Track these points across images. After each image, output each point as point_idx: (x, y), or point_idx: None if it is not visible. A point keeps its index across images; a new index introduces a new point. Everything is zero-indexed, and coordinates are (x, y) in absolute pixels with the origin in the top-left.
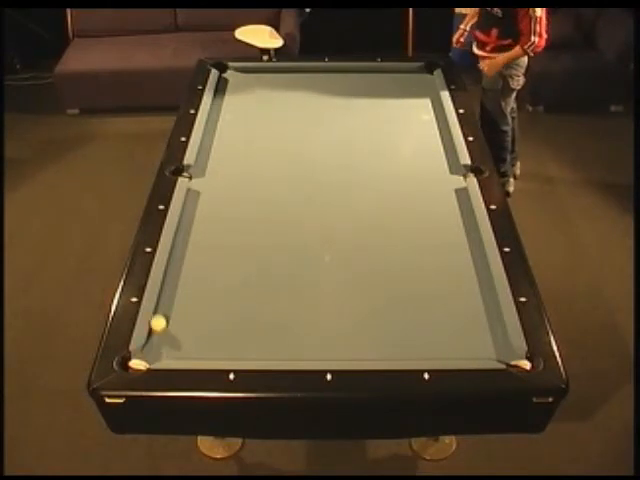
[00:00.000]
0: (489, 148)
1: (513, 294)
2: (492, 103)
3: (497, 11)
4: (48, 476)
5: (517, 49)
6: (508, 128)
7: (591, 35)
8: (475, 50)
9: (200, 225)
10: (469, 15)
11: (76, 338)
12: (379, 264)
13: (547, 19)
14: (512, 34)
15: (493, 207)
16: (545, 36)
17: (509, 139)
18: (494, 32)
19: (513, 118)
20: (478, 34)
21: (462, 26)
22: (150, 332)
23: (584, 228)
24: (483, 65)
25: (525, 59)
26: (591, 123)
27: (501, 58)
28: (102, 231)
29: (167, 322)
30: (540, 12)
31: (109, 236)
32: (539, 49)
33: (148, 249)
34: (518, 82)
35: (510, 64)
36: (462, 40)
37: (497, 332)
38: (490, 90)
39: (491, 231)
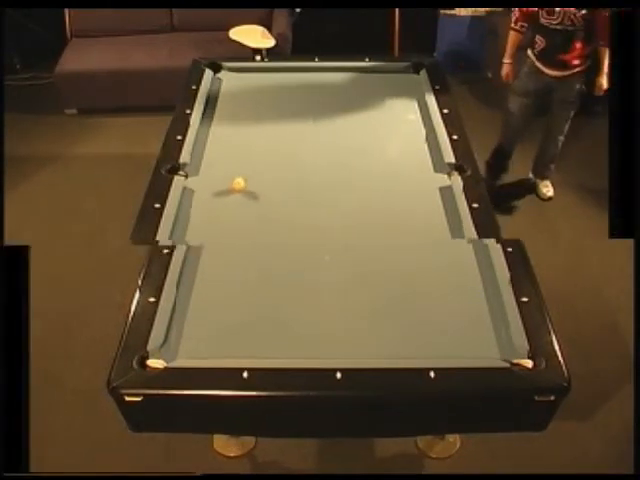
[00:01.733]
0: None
1: (515, 294)
2: (567, 114)
3: (579, 20)
4: (61, 474)
5: (605, 50)
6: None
7: None
8: (553, 73)
9: (195, 223)
10: (510, 46)
11: (94, 338)
12: (384, 263)
13: None
14: (593, 37)
15: (475, 205)
16: None
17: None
18: (578, 45)
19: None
20: (561, 56)
21: (507, 60)
22: None
23: (584, 228)
24: (601, 88)
25: None
26: (591, 123)
27: (605, 70)
28: (101, 230)
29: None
30: None
31: (108, 235)
32: None
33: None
34: None
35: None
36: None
37: (500, 331)
38: (572, 102)
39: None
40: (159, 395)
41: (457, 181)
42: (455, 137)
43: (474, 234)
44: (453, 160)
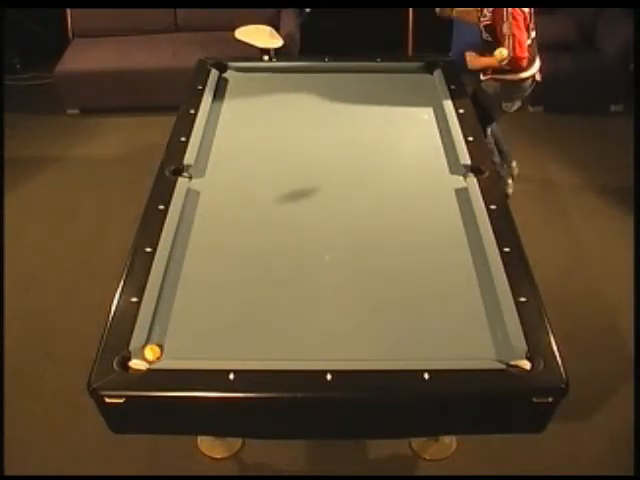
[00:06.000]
0: None
1: (513, 294)
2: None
3: (487, 36)
4: (48, 476)
5: (491, 58)
6: (490, 138)
7: (591, 35)
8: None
9: (200, 225)
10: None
11: (76, 338)
12: (379, 264)
13: (526, 37)
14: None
15: (493, 207)
16: (523, 55)
17: (491, 143)
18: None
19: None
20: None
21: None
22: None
23: (584, 228)
24: (467, 57)
25: (525, 85)
26: (591, 123)
27: (484, 60)
28: (102, 231)
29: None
30: (511, 30)
31: (109, 236)
32: (516, 65)
33: (148, 249)
34: (510, 107)
35: (509, 86)
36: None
37: (497, 332)
38: (482, 103)
39: (491, 231)
40: (141, 397)
41: (473, 183)
42: (471, 138)
43: (491, 235)
44: (469, 162)
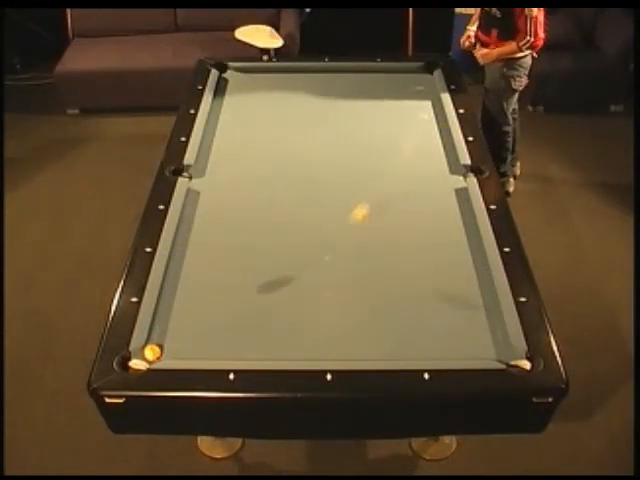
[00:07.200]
0: (489, 147)
1: (513, 294)
2: (494, 103)
3: (495, 11)
4: (48, 476)
5: (512, 44)
6: (509, 128)
7: (591, 35)
8: (478, 54)
9: (200, 225)
10: (474, 16)
11: (76, 338)
12: (379, 264)
13: (545, 19)
14: (512, 34)
15: (493, 207)
16: (542, 35)
17: (510, 139)
18: (494, 33)
19: (514, 119)
20: (480, 35)
21: (469, 27)
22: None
23: (584, 228)
24: (478, 53)
25: (527, 60)
26: (591, 123)
27: (496, 50)
28: (102, 231)
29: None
30: (536, 12)
31: (109, 236)
32: (535, 48)
33: (148, 249)
34: (520, 83)
35: (512, 65)
36: (472, 41)
37: (497, 332)
38: (492, 90)
39: (491, 231)
40: (141, 397)
41: (473, 183)
42: (471, 138)
43: (491, 235)
44: (469, 162)
